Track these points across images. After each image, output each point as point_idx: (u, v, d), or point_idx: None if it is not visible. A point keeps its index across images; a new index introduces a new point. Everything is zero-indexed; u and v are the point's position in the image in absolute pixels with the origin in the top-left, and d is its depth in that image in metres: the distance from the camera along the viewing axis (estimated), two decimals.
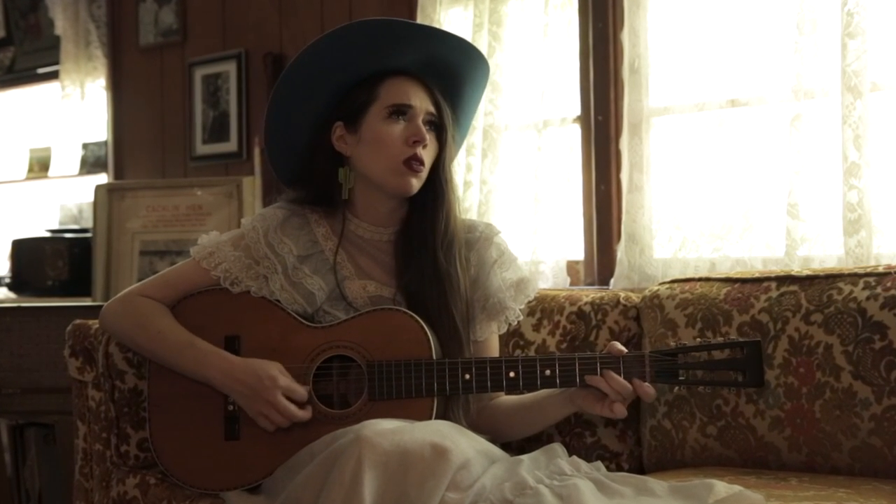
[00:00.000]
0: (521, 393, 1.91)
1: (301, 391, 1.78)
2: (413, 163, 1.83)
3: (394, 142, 1.84)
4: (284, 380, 1.77)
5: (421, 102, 1.86)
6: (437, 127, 1.88)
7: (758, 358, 1.76)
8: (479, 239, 1.95)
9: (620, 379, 1.73)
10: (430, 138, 1.87)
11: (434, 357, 1.79)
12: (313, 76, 1.87)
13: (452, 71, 1.90)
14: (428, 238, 1.87)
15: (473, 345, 1.92)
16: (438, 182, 1.88)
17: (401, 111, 1.85)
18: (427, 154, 1.86)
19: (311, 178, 1.93)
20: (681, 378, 1.78)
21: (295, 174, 1.97)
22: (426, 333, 1.79)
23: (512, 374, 1.78)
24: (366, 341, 1.81)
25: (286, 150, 1.96)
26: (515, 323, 1.96)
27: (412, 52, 1.86)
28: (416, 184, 1.85)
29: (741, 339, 1.78)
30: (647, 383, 1.74)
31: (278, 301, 1.88)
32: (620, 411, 1.74)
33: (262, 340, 1.85)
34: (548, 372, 1.77)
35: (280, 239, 1.89)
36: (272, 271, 1.88)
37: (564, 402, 1.82)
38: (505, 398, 1.94)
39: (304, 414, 1.77)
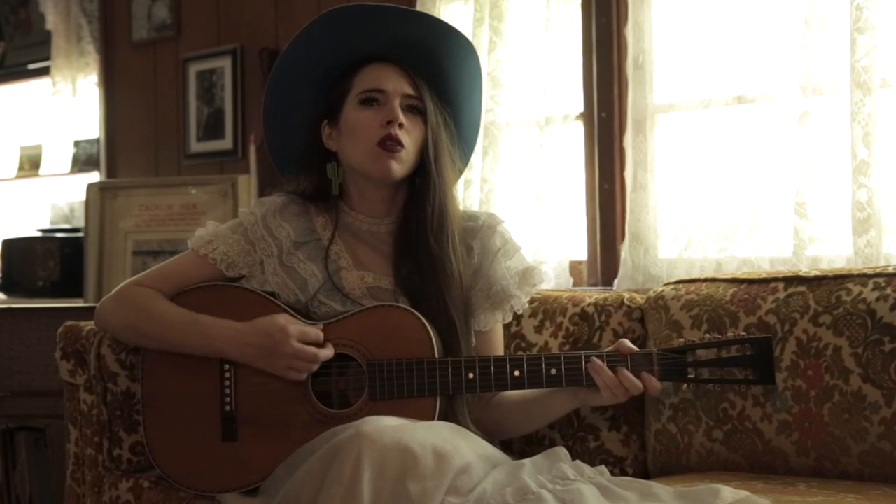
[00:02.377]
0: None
1: (316, 332, 1.78)
2: (388, 143, 1.83)
3: (367, 126, 1.84)
4: (295, 326, 1.77)
5: (395, 85, 1.86)
6: (419, 107, 1.88)
7: (768, 355, 1.76)
8: (481, 227, 1.95)
9: (631, 376, 1.75)
10: (412, 121, 1.86)
11: (436, 355, 1.79)
12: (293, 78, 1.90)
13: (427, 49, 1.89)
14: (420, 225, 1.87)
15: (477, 335, 1.92)
16: (425, 165, 1.88)
17: (373, 96, 1.85)
18: (409, 137, 1.85)
19: (308, 177, 1.95)
20: (689, 376, 1.78)
21: (296, 169, 1.98)
22: (428, 331, 1.79)
23: (517, 373, 1.78)
24: (366, 339, 1.80)
25: (285, 149, 1.98)
26: (520, 312, 1.96)
27: (380, 36, 1.86)
28: (396, 166, 1.84)
29: (751, 336, 1.78)
30: (655, 380, 1.76)
31: (274, 296, 1.88)
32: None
33: None
34: (553, 371, 1.77)
35: (279, 223, 1.90)
36: (268, 254, 1.89)
37: (569, 396, 1.83)
38: (507, 394, 1.94)
39: (328, 352, 1.77)
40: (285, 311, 1.85)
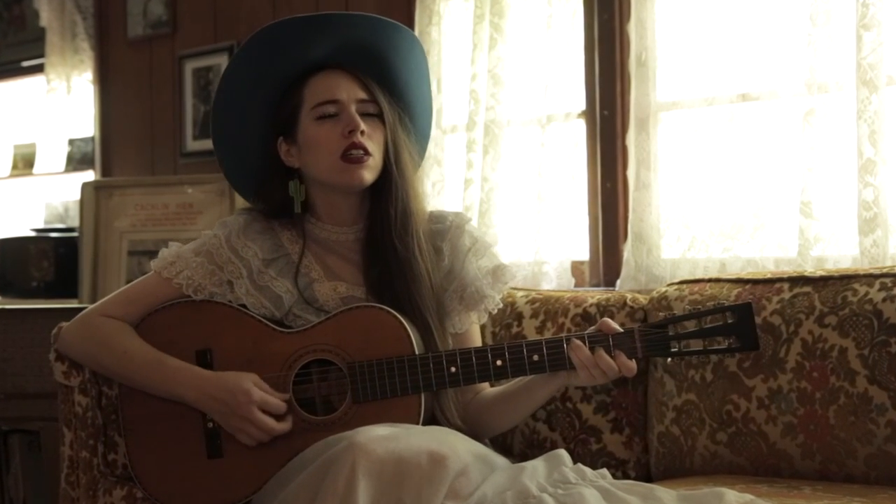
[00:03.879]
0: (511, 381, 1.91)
1: (278, 403, 1.78)
2: (352, 152, 1.82)
3: (330, 140, 1.84)
4: (259, 393, 1.77)
5: (348, 92, 1.85)
6: (375, 111, 1.87)
7: (749, 321, 1.75)
8: (449, 228, 1.94)
9: (606, 357, 1.74)
10: (371, 125, 1.85)
11: (416, 352, 1.79)
12: (239, 99, 1.89)
13: (373, 50, 1.88)
14: (385, 228, 1.87)
15: (453, 337, 1.92)
16: (387, 166, 1.87)
17: (328, 110, 1.85)
18: (372, 142, 1.85)
19: (269, 197, 1.94)
20: (673, 350, 1.78)
21: (255, 190, 1.97)
22: (406, 329, 1.79)
23: (499, 363, 1.78)
24: (344, 342, 1.80)
25: (241, 171, 1.97)
26: (494, 311, 1.96)
27: (321, 43, 1.86)
28: (366, 174, 1.84)
29: (731, 304, 1.77)
30: (628, 360, 1.74)
31: (247, 309, 1.87)
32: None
33: (235, 352, 1.84)
34: (536, 357, 1.77)
35: (244, 243, 1.89)
36: (237, 276, 1.88)
37: (550, 377, 1.82)
38: (488, 390, 1.95)
39: (283, 426, 1.77)
40: (260, 322, 1.85)
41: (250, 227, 1.91)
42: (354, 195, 1.90)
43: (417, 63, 1.95)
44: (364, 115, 1.85)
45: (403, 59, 1.92)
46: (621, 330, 1.77)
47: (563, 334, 1.81)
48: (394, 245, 1.85)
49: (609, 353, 1.74)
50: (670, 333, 1.77)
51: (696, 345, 1.77)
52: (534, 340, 1.80)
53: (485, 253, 1.94)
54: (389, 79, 1.91)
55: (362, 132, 1.83)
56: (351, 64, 1.88)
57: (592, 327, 1.82)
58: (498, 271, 1.94)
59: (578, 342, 1.75)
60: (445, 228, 1.94)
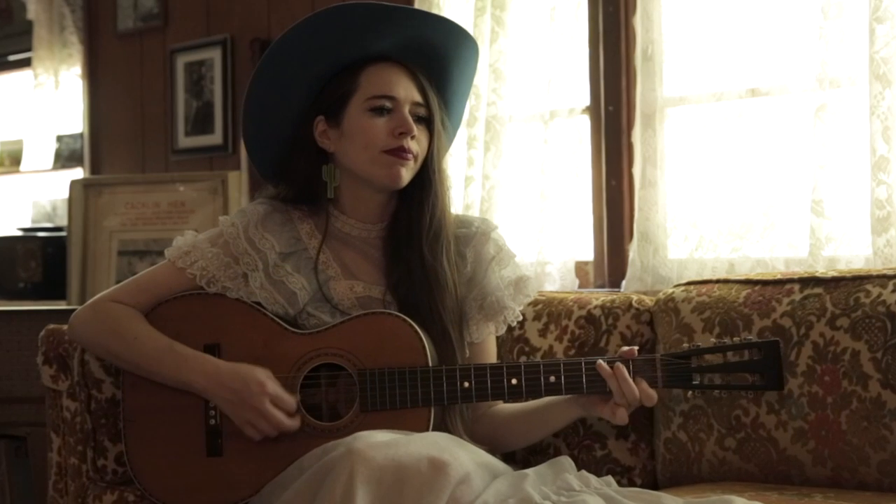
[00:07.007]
0: (525, 401, 1.92)
1: (290, 400, 1.78)
2: (399, 152, 1.83)
3: (378, 135, 1.84)
4: (273, 386, 1.77)
5: (406, 91, 1.86)
6: (426, 115, 1.88)
7: (776, 359, 1.76)
8: (475, 235, 1.95)
9: (629, 379, 1.74)
10: (420, 129, 1.86)
11: (430, 364, 1.79)
12: (289, 68, 1.88)
13: (437, 53, 1.89)
14: (414, 232, 1.87)
15: (470, 347, 1.92)
16: (427, 172, 1.88)
17: (383, 104, 1.85)
18: (417, 145, 1.86)
19: (293, 176, 1.93)
20: (694, 382, 1.79)
21: (276, 169, 1.97)
22: (421, 339, 1.79)
23: (514, 382, 1.78)
24: (356, 348, 1.80)
25: (266, 145, 1.96)
26: (514, 323, 1.97)
27: (391, 35, 1.85)
28: (405, 175, 1.85)
29: (758, 340, 1.78)
30: (649, 388, 1.75)
31: (259, 305, 1.87)
32: (622, 417, 1.76)
33: (244, 349, 1.85)
34: (552, 378, 1.77)
35: (261, 235, 1.89)
36: (252, 268, 1.88)
37: (569, 404, 1.82)
38: (504, 405, 1.95)
39: (293, 423, 1.78)
40: (272, 321, 1.85)
41: (269, 217, 1.91)
42: (383, 193, 1.90)
43: (470, 74, 1.97)
44: (415, 117, 1.86)
45: (461, 69, 1.94)
46: (640, 356, 1.77)
47: (584, 357, 1.81)
48: (422, 252, 1.85)
49: None
50: (693, 365, 1.78)
51: (718, 378, 1.78)
52: (552, 361, 1.81)
53: (508, 263, 1.95)
54: (443, 84, 1.92)
55: (412, 136, 1.84)
56: (412, 62, 1.88)
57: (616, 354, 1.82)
58: (520, 283, 1.94)
59: (622, 368, 1.74)
60: (471, 234, 1.95)
